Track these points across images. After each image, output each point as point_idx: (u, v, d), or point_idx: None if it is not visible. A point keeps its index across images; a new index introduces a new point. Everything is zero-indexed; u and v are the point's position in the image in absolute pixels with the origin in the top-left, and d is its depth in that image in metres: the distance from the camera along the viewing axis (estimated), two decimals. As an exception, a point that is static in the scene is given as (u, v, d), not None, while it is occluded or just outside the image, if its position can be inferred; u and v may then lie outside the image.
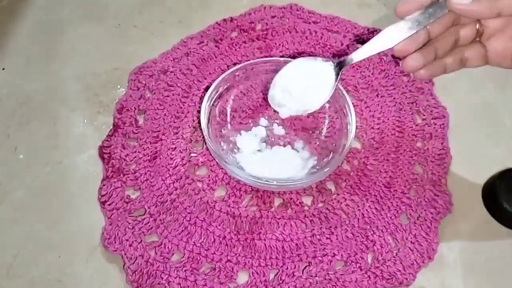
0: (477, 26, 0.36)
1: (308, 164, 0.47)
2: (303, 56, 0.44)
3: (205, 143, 0.48)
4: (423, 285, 0.41)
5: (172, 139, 0.49)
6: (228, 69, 0.49)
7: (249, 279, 0.41)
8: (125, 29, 0.60)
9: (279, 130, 0.49)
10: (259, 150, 0.48)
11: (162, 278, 0.41)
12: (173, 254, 0.42)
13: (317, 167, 0.46)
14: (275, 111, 0.45)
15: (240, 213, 0.44)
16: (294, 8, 0.60)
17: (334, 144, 0.48)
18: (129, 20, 0.61)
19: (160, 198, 0.45)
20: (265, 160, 0.47)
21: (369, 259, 0.42)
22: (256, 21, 0.59)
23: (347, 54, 0.48)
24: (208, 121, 0.47)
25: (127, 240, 0.43)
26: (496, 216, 0.44)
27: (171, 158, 0.48)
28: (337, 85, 0.41)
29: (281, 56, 0.55)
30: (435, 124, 0.50)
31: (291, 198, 0.45)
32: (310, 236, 0.43)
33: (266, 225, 0.44)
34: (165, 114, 0.51)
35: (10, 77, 0.55)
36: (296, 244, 0.43)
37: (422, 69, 0.36)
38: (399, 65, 0.54)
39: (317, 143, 0.48)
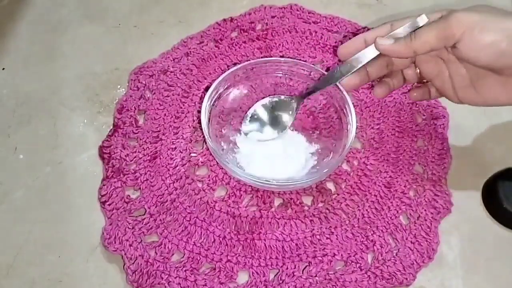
0: (417, 70, 0.42)
1: (308, 164, 0.47)
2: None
3: (205, 143, 0.48)
4: (423, 285, 0.41)
5: (172, 139, 0.49)
6: (228, 69, 0.49)
7: (249, 279, 0.41)
8: (125, 29, 0.60)
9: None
10: (259, 150, 0.48)
11: (162, 278, 0.41)
12: (173, 254, 0.42)
13: (317, 167, 0.46)
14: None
15: (240, 213, 0.44)
16: (294, 8, 0.60)
17: (334, 144, 0.48)
18: (129, 20, 0.61)
19: (160, 198, 0.45)
20: (265, 160, 0.47)
21: (369, 259, 0.42)
22: (256, 21, 0.59)
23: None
24: (208, 121, 0.47)
25: (127, 240, 0.43)
26: (496, 216, 0.44)
27: (171, 158, 0.48)
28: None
29: (281, 56, 0.55)
30: (435, 124, 0.50)
31: (291, 198, 0.45)
32: (310, 236, 0.43)
33: (266, 225, 0.44)
34: (165, 114, 0.51)
35: (10, 77, 0.55)
36: (296, 244, 0.43)
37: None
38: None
39: (317, 143, 0.48)
